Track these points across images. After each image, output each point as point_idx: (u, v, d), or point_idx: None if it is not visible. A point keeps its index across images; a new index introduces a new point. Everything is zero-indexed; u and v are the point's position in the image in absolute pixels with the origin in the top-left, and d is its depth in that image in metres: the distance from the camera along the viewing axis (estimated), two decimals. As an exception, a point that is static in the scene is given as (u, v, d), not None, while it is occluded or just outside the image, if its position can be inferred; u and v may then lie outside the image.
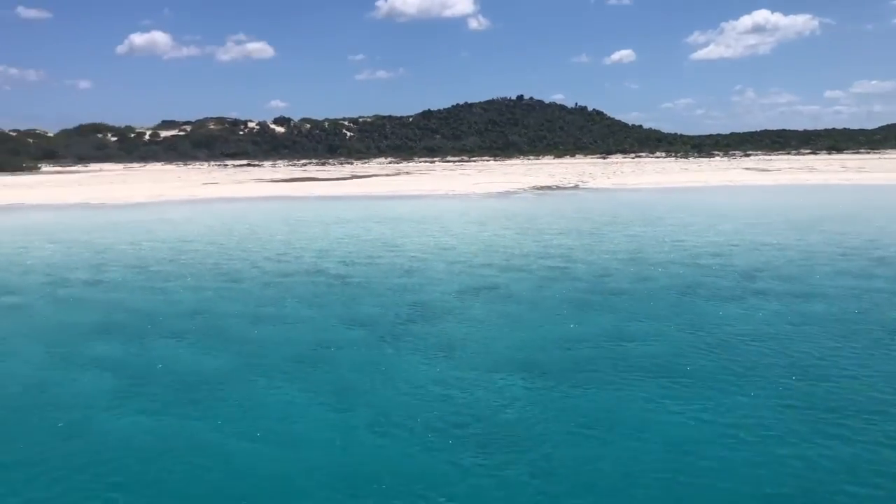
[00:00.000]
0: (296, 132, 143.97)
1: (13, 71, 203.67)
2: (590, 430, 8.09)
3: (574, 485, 6.91)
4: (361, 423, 8.43)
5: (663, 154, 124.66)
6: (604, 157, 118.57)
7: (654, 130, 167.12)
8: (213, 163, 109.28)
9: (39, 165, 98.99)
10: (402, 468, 7.32)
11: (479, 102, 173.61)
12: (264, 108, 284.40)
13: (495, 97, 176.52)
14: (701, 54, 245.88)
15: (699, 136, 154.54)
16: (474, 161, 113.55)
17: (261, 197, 45.80)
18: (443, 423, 8.35)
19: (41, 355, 11.45)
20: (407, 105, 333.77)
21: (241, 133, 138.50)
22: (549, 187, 50.64)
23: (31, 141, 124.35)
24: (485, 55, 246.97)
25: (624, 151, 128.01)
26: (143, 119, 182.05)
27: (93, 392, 9.70)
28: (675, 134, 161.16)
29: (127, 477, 7.22)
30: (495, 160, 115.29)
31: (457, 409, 8.83)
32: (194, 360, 11.05)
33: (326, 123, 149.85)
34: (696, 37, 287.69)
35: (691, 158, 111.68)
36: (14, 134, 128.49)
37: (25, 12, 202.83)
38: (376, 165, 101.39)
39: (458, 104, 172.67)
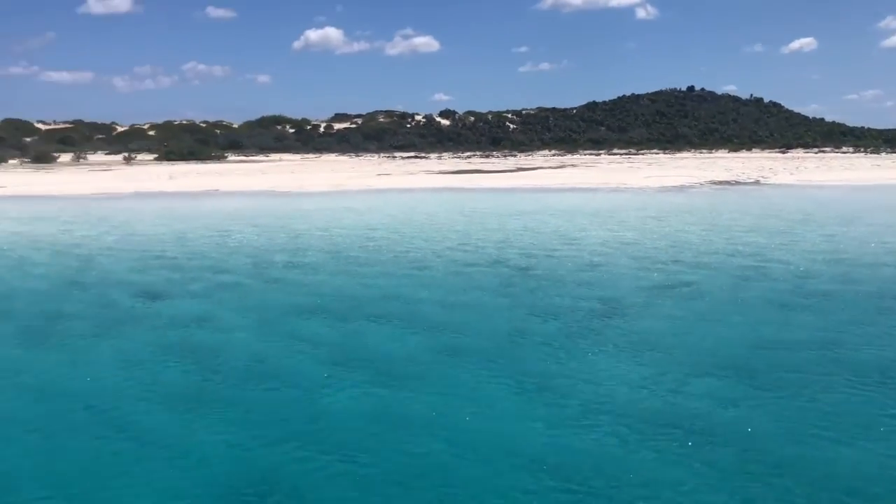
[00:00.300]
0: (460, 125, 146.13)
1: (201, 67, 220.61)
2: (812, 432, 7.69)
3: (802, 486, 6.59)
4: (561, 414, 8.45)
5: (850, 149, 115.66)
6: (783, 152, 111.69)
7: (838, 124, 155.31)
8: (382, 154, 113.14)
9: (226, 154, 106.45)
10: (609, 462, 7.26)
11: (647, 94, 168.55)
12: (428, 101, 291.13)
13: (663, 88, 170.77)
14: (894, 41, 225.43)
15: (892, 130, 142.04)
16: (642, 154, 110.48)
17: (432, 188, 46.88)
18: (646, 419, 8.22)
19: (258, 331, 12.32)
20: (570, 97, 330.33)
21: (409, 126, 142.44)
22: (727, 182, 48.41)
23: (218, 132, 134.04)
24: (653, 45, 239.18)
25: (805, 146, 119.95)
26: (317, 112, 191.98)
27: (307, 367, 10.34)
28: (863, 127, 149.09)
29: (340, 447, 7.66)
30: (664, 153, 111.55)
31: (660, 406, 8.66)
32: (395, 342, 11.51)
33: (490, 116, 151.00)
34: (889, 22, 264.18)
35: (883, 154, 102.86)
36: (203, 125, 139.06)
37: (214, 12, 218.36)
38: (540, 158, 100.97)
39: (623, 95, 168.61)
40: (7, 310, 13.81)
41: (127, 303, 14.44)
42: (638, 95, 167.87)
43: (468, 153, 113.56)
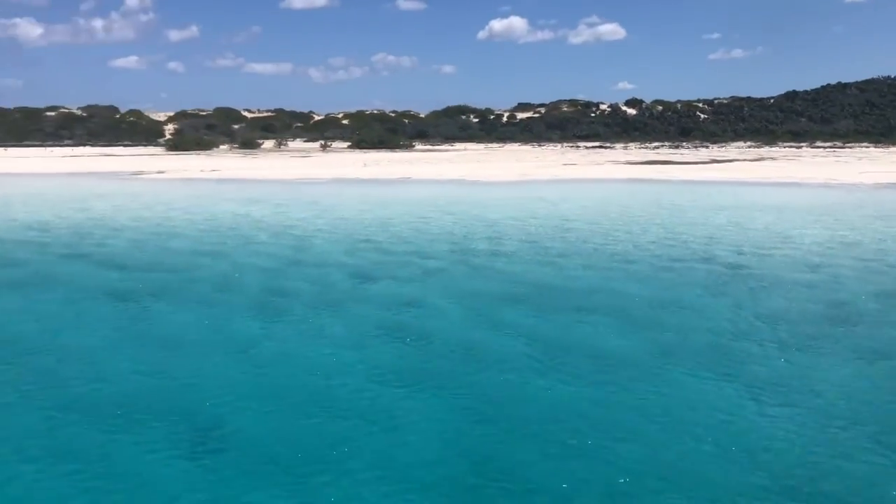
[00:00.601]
0: (647, 114, 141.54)
1: (390, 58, 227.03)
2: None
3: None
4: (798, 424, 7.91)
5: None
6: None
7: None
8: (565, 144, 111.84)
9: (413, 143, 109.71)
10: (867, 477, 6.73)
11: (856, 82, 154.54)
12: (611, 90, 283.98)
13: (875, 76, 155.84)
14: None
15: None
16: (849, 147, 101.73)
17: (621, 179, 45.74)
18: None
19: (469, 317, 12.52)
20: (767, 86, 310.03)
21: (593, 115, 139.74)
22: (956, 180, 43.43)
23: (406, 121, 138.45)
24: (863, 28, 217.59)
25: None
26: (500, 101, 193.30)
27: (520, 356, 10.35)
28: None
29: (562, 440, 7.62)
30: (876, 147, 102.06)
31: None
32: (608, 337, 11.28)
33: (679, 105, 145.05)
34: None
35: None
36: (393, 115, 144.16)
37: (404, 4, 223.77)
38: (734, 149, 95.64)
39: (828, 84, 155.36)
40: (240, 285, 14.99)
41: (344, 283, 15.21)
42: (844, 84, 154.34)
43: (655, 144, 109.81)
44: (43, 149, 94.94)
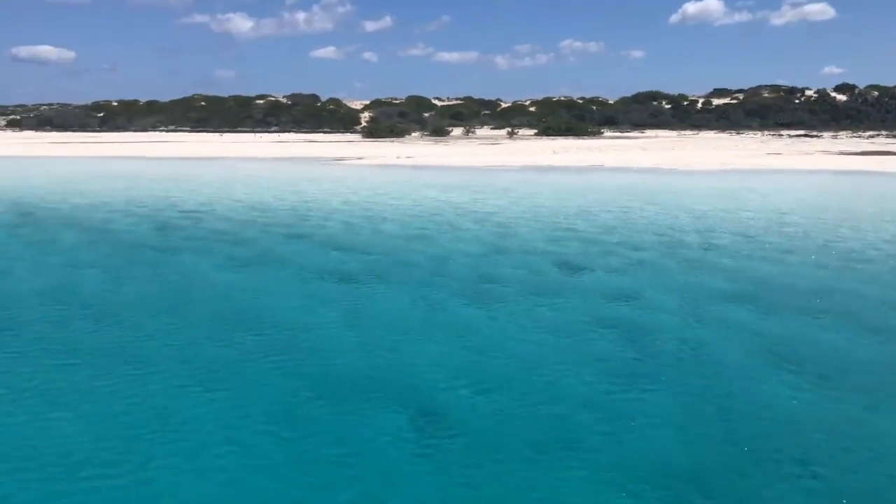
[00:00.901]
0: (859, 100, 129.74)
1: (577, 44, 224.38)
2: None
3: None
4: None
5: None
6: None
7: None
8: (766, 132, 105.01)
9: (601, 130, 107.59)
10: None
11: None
12: (816, 74, 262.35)
13: None
14: None
15: None
16: None
17: (833, 170, 42.30)
18: None
19: (685, 313, 11.88)
20: None
21: (797, 102, 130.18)
22: None
23: (594, 108, 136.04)
24: None
25: None
26: (693, 87, 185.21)
27: (744, 358, 9.67)
28: None
29: (790, 453, 7.03)
30: None
31: None
32: (847, 344, 10.31)
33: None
34: None
35: None
36: (580, 101, 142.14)
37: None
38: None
39: None
40: (452, 270, 15.22)
41: (553, 272, 15.05)
42: None
43: (869, 133, 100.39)
44: (253, 134, 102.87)
